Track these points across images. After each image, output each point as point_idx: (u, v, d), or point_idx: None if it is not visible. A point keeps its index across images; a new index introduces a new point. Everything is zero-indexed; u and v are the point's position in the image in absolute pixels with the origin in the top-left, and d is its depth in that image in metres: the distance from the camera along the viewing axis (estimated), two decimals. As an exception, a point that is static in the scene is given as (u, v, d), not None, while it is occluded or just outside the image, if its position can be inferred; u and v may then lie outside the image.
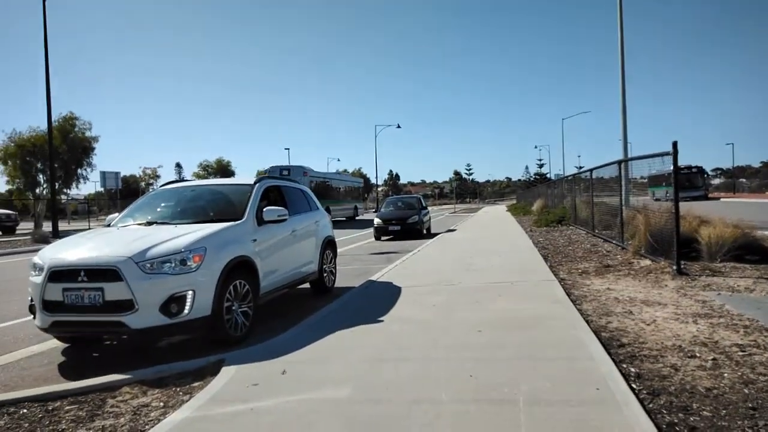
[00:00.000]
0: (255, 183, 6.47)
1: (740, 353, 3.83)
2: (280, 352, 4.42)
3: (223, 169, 76.96)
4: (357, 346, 4.53)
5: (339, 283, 8.42)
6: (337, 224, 29.79)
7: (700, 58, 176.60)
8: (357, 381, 3.64)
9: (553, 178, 61.54)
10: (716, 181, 78.60)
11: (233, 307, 5.09)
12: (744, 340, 4.15)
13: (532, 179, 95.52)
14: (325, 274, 7.80)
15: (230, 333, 5.03)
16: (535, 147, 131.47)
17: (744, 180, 77.39)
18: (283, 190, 7.13)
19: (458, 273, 8.46)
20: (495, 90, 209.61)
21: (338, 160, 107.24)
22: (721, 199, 41.69)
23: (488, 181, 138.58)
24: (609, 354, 3.91)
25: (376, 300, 6.59)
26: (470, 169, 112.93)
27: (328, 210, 32.90)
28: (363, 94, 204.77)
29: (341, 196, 35.51)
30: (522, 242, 13.58)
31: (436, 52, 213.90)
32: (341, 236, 19.23)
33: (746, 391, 3.14)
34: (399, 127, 55.84)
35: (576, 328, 4.68)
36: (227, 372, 3.97)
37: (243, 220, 5.72)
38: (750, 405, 2.94)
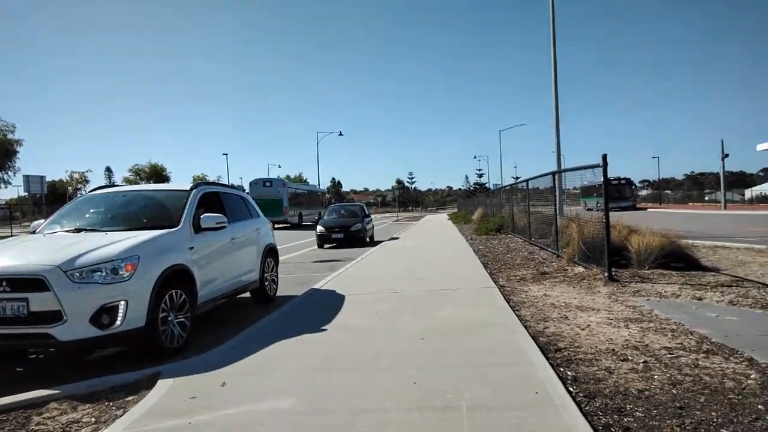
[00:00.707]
0: (191, 189, 6.25)
1: (668, 356, 4.04)
2: (220, 363, 4.27)
3: (158, 174, 74.15)
4: (300, 356, 4.45)
5: (281, 291, 8.26)
6: (300, 228, 30.04)
7: (633, 76, 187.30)
8: (301, 391, 3.57)
9: (492, 187, 63.31)
10: (644, 192, 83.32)
11: (169, 318, 4.87)
12: (671, 343, 4.38)
13: (472, 188, 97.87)
14: (266, 283, 7.64)
15: (166, 345, 4.81)
16: (475, 157, 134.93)
17: (669, 191, 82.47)
18: (221, 196, 6.94)
19: (402, 281, 8.50)
20: (436, 99, 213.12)
21: (279, 166, 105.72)
22: (648, 210, 44.21)
23: (430, 190, 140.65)
24: (547, 358, 4.03)
25: (320, 309, 6.51)
26: (412, 178, 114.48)
27: (300, 216, 33.24)
28: (304, 101, 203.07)
29: (310, 203, 39.88)
30: (463, 250, 13.84)
31: (378, 60, 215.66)
32: (284, 243, 18.92)
33: (674, 391, 3.31)
34: (341, 134, 56.03)
35: (515, 334, 4.80)
36: (163, 385, 3.78)
37: (179, 227, 5.51)
38: (678, 404, 3.09)
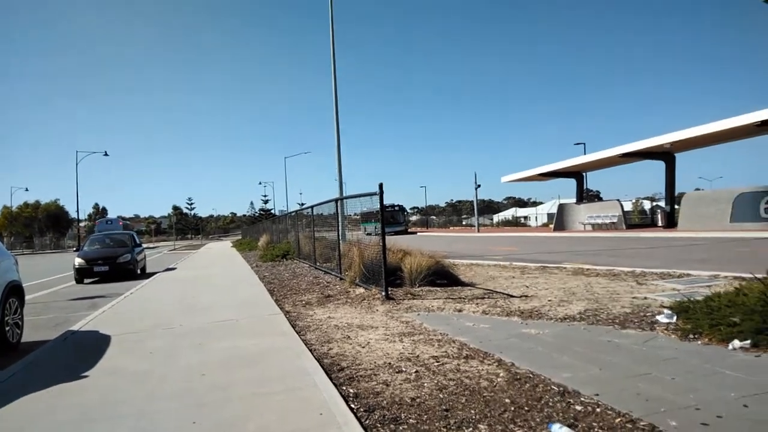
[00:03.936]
0: None
1: (436, 363, 4.46)
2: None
3: None
4: (56, 410, 3.75)
5: (28, 337, 6.97)
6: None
7: (402, 112, 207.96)
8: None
9: (277, 213, 63.44)
10: (414, 218, 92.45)
11: None
12: (438, 351, 4.86)
13: (257, 215, 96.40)
14: (7, 328, 6.35)
15: None
16: (260, 183, 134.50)
17: (434, 217, 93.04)
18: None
19: (179, 315, 7.88)
20: (218, 124, 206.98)
21: (26, 189, 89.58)
22: (418, 233, 49.05)
23: (212, 216, 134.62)
24: (331, 379, 4.11)
25: (79, 353, 5.64)
26: (192, 204, 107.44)
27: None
28: (61, 114, 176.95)
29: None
30: (248, 278, 13.49)
31: (156, 76, 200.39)
32: (31, 280, 16.06)
33: (441, 395, 3.66)
34: (107, 154, 50.44)
35: (301, 358, 4.81)
36: None
37: None
38: (444, 407, 3.42)
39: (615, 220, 31.50)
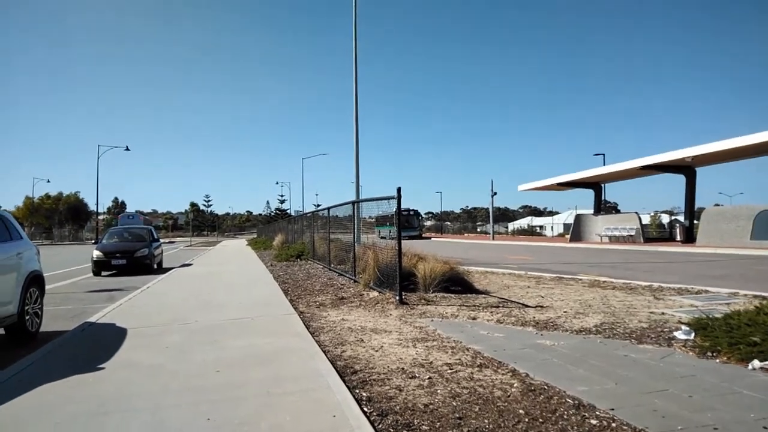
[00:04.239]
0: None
1: (449, 371, 4.45)
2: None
3: None
4: (71, 401, 3.82)
5: (47, 327, 7.09)
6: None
7: (422, 118, 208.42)
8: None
9: (293, 214, 63.80)
10: (429, 223, 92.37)
11: None
12: (452, 359, 4.85)
13: (273, 214, 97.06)
14: (27, 317, 6.47)
15: None
16: (277, 183, 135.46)
17: (449, 223, 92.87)
18: (-30, 213, 5.75)
19: (195, 310, 7.96)
20: (238, 123, 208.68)
21: (48, 181, 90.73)
22: (433, 239, 48.97)
23: (228, 214, 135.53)
24: (344, 381, 4.12)
25: (96, 344, 5.73)
26: (209, 201, 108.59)
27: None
28: (84, 108, 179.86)
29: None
30: (263, 277, 13.58)
31: (176, 73, 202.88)
32: (51, 270, 16.34)
33: (454, 403, 3.65)
34: (128, 149, 51.19)
35: (314, 359, 4.83)
36: None
37: None
38: (457, 415, 3.42)
39: (633, 233, 31.14)
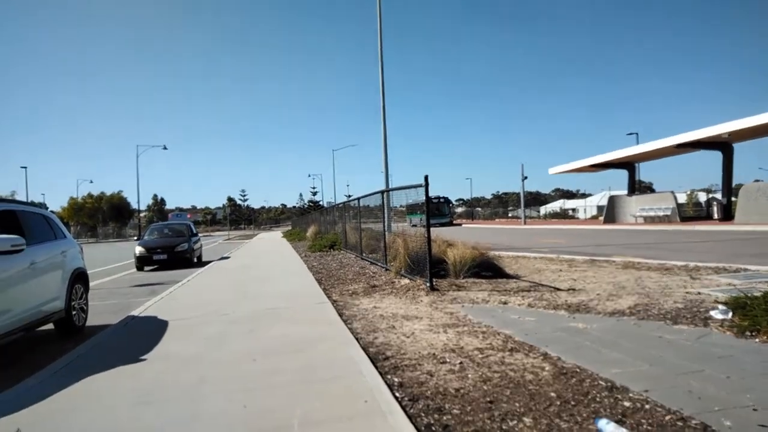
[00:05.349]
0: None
1: (480, 356, 4.48)
2: (15, 407, 3.67)
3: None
4: (114, 391, 4.02)
5: (92, 321, 7.41)
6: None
7: (451, 103, 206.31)
8: (115, 430, 3.22)
9: (325, 205, 64.35)
10: (459, 210, 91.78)
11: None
12: (482, 344, 4.87)
13: (306, 206, 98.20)
14: (74, 312, 6.78)
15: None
16: (309, 175, 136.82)
17: (479, 209, 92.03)
18: (19, 215, 6.03)
19: (232, 302, 8.18)
20: (270, 116, 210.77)
21: (91, 181, 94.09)
22: (463, 225, 48.64)
23: (263, 208, 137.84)
24: (376, 367, 4.20)
25: (138, 337, 5.96)
26: (245, 195, 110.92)
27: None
28: (123, 112, 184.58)
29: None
30: (297, 267, 13.80)
31: (205, 68, 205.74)
32: (96, 267, 16.99)
33: (485, 387, 3.68)
34: (165, 148, 52.36)
35: (347, 347, 4.92)
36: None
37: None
38: (488, 399, 3.45)
39: (668, 213, 30.29)
